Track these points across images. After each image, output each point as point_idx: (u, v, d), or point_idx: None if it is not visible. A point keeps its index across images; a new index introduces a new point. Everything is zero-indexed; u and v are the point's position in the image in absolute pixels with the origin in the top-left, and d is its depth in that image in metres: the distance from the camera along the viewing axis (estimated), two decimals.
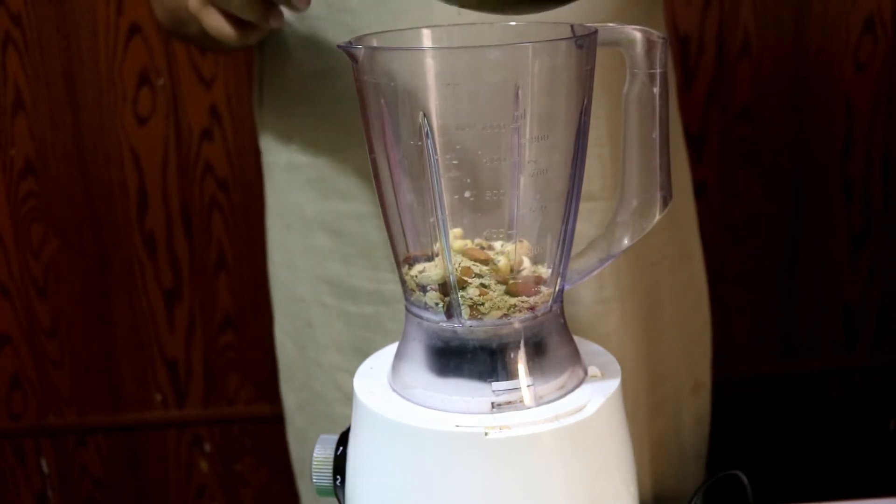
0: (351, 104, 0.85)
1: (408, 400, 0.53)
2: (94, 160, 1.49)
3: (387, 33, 0.55)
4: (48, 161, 1.49)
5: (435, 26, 0.55)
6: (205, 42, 0.88)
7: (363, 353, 0.91)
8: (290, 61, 0.89)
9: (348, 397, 0.93)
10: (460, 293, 0.51)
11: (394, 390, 0.54)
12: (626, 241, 0.57)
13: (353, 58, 0.51)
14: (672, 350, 0.95)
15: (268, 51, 0.92)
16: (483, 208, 0.51)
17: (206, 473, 1.64)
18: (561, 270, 0.54)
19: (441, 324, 0.52)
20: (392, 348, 0.57)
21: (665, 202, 0.56)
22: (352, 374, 0.92)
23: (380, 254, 0.87)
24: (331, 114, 0.87)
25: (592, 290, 0.85)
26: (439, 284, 0.52)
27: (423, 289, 0.52)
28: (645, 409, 0.92)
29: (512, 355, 0.52)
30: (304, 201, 0.91)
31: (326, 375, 0.94)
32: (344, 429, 0.94)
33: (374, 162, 0.53)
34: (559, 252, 0.53)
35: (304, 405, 0.98)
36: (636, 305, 0.90)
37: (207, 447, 1.63)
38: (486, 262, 0.52)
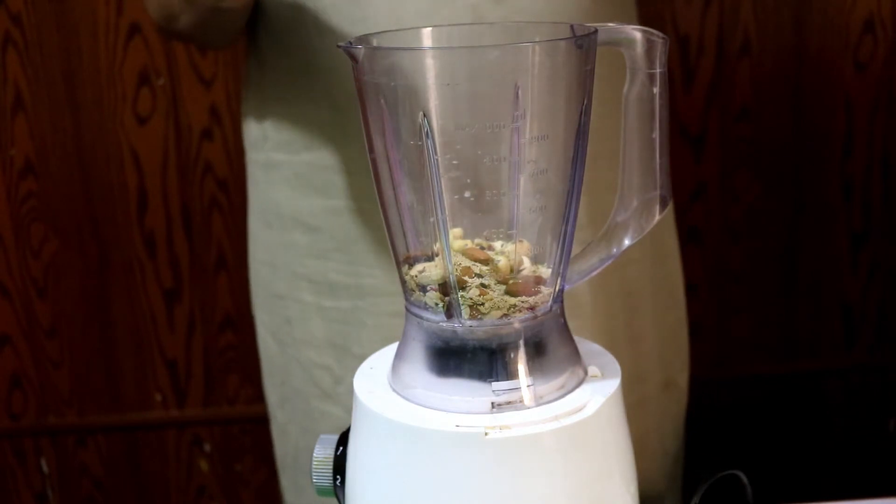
0: (325, 102, 0.85)
1: (408, 400, 0.53)
2: (94, 160, 1.49)
3: (386, 33, 0.55)
4: (48, 161, 1.49)
5: (436, 26, 0.55)
6: (195, 34, 0.88)
7: (340, 349, 0.91)
8: (266, 61, 0.90)
9: (326, 394, 0.93)
10: (460, 293, 0.51)
11: (394, 390, 0.54)
12: (626, 241, 0.57)
13: (353, 58, 0.51)
14: (652, 349, 0.95)
15: (250, 50, 0.93)
16: (483, 208, 0.51)
17: (206, 473, 1.64)
18: (561, 270, 0.54)
19: (441, 324, 0.52)
20: (392, 348, 0.57)
21: (665, 202, 0.56)
22: (329, 370, 0.93)
23: (358, 248, 0.88)
24: (305, 111, 0.87)
25: None
26: (439, 284, 0.52)
27: (423, 289, 0.52)
28: (626, 408, 0.92)
29: (512, 355, 0.52)
30: (282, 199, 0.92)
31: (304, 372, 0.94)
32: (322, 424, 0.94)
33: (374, 162, 0.53)
34: (559, 252, 0.53)
35: (284, 401, 0.98)
36: (607, 301, 0.90)
37: (207, 447, 1.63)
38: (486, 262, 0.52)
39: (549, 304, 0.53)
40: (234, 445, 1.63)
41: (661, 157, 0.55)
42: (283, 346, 0.96)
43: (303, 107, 0.87)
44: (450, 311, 0.52)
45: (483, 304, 0.51)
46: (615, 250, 0.57)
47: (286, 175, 0.91)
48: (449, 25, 0.56)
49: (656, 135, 0.55)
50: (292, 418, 0.98)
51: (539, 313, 0.52)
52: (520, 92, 0.49)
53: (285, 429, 0.99)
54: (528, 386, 0.51)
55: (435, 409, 0.51)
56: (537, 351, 0.52)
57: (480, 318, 0.51)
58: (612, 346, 0.89)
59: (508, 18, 0.79)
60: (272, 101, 0.90)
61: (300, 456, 0.97)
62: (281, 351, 0.97)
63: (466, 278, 0.51)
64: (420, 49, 0.54)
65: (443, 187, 0.50)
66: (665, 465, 0.99)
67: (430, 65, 0.49)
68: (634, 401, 0.93)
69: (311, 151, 0.88)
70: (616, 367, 0.56)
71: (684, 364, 1.01)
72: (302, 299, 0.92)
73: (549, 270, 0.53)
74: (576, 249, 0.57)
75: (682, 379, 1.01)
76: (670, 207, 0.98)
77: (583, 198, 0.84)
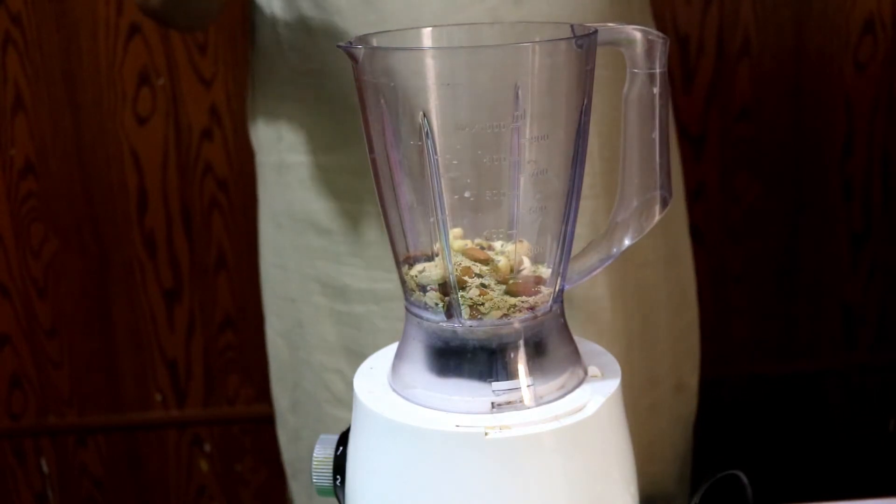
0: (342, 104, 0.85)
1: (408, 400, 0.53)
2: (94, 160, 1.49)
3: (387, 33, 0.55)
4: (48, 161, 1.49)
5: (436, 26, 0.55)
6: (170, 12, 0.88)
7: (353, 353, 0.91)
8: (282, 61, 0.89)
9: (338, 399, 0.93)
10: (460, 293, 0.51)
11: (394, 390, 0.54)
12: (626, 241, 0.57)
13: (353, 58, 0.51)
14: (666, 353, 0.95)
15: (261, 50, 0.92)
16: (483, 208, 0.51)
17: (206, 473, 1.64)
18: (561, 270, 0.54)
19: (441, 324, 0.52)
20: (392, 348, 0.57)
21: (665, 202, 0.56)
22: (341, 374, 0.93)
23: (372, 252, 0.87)
24: (321, 113, 0.87)
25: (584, 287, 0.85)
26: (439, 284, 0.52)
27: (423, 289, 0.52)
28: (639, 411, 0.92)
29: (512, 355, 0.52)
30: (295, 200, 0.91)
31: (316, 376, 0.94)
32: (334, 430, 0.94)
33: (374, 162, 0.53)
34: (559, 252, 0.53)
35: (297, 405, 0.97)
36: (624, 304, 0.89)
37: (207, 447, 1.63)
38: (486, 262, 0.52)
39: (549, 304, 0.53)
40: (234, 445, 1.63)
41: (661, 157, 0.55)
42: (294, 349, 0.95)
43: (319, 108, 0.87)
44: (450, 311, 0.52)
45: (483, 304, 0.51)
46: (615, 250, 0.57)
47: (300, 176, 0.90)
48: (449, 25, 0.56)
49: (656, 135, 0.55)
50: (305, 423, 0.97)
51: (539, 313, 0.52)
52: (520, 92, 0.49)
53: (298, 433, 0.98)
54: (528, 386, 0.51)
55: (435, 409, 0.51)
56: (537, 351, 0.52)
57: (480, 318, 0.51)
58: (628, 351, 0.90)
59: (543, 21, 0.79)
60: (287, 102, 0.90)
61: None
62: (292, 355, 0.96)
63: (466, 278, 0.51)
64: (420, 49, 0.54)
65: (443, 187, 0.50)
66: (675, 467, 0.99)
67: (430, 65, 0.49)
68: (648, 404, 0.93)
69: (327, 153, 0.88)
70: (616, 367, 0.56)
71: (695, 366, 1.01)
72: (314, 302, 0.92)
73: (549, 270, 0.53)
74: (579, 250, 0.57)
75: (693, 381, 1.00)
76: (683, 209, 0.98)
77: (599, 200, 0.85)
